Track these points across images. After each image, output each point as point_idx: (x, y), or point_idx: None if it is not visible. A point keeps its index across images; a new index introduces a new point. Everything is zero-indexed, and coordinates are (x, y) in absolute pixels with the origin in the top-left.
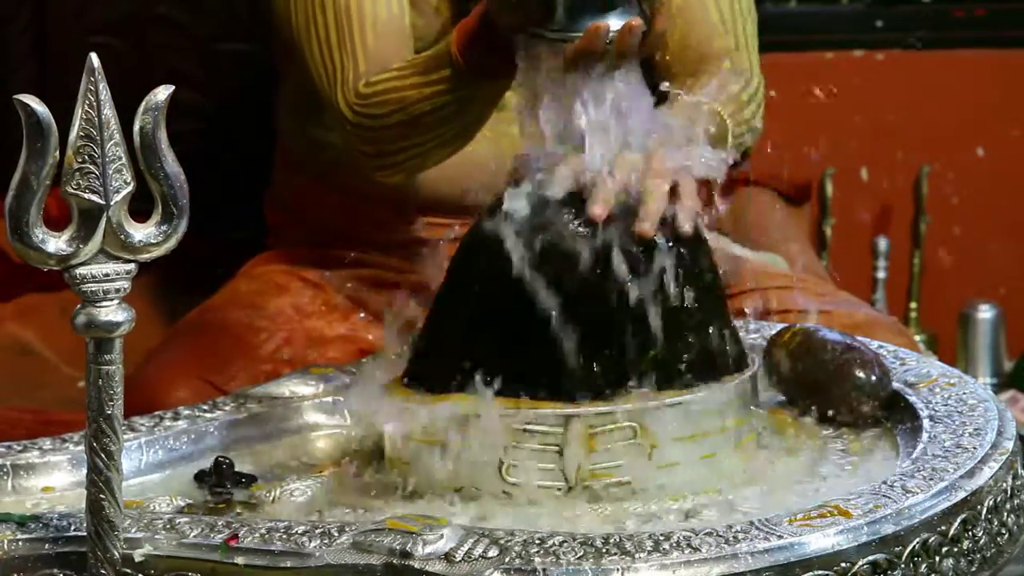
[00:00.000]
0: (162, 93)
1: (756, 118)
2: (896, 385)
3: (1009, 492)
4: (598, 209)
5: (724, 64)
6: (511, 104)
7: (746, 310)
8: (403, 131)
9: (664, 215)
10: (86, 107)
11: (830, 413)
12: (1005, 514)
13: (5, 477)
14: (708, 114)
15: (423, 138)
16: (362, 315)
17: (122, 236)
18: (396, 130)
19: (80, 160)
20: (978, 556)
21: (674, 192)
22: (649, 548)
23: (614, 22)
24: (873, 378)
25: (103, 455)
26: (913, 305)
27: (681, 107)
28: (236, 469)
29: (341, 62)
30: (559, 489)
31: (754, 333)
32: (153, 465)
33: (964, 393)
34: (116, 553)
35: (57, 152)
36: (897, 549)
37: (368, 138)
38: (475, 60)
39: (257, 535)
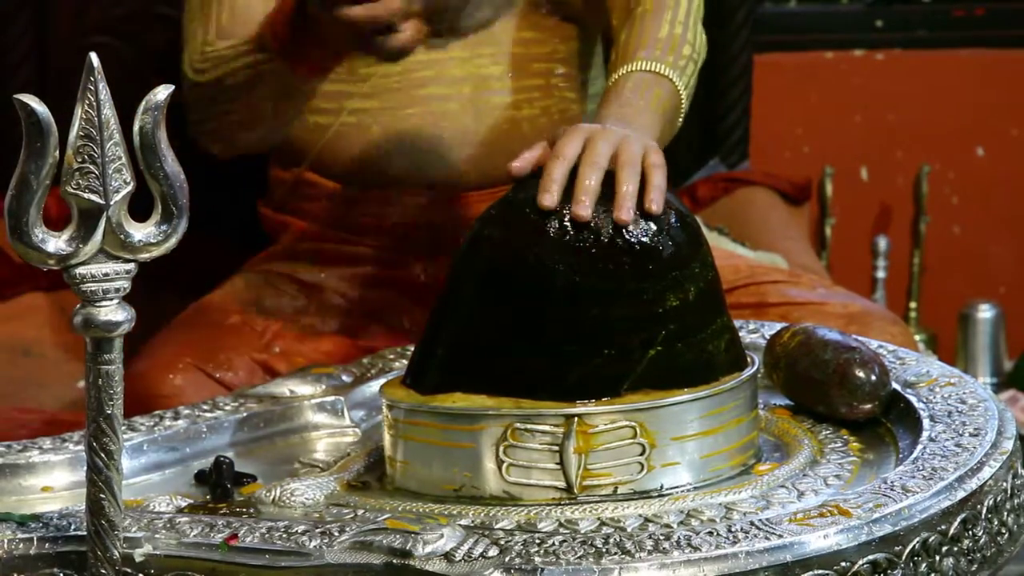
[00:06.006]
0: (162, 93)
1: (696, 46)
2: (896, 385)
3: (1009, 492)
4: (546, 200)
5: (647, 3)
6: (492, 73)
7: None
8: (225, 97)
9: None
10: (86, 107)
11: (830, 413)
12: (1005, 514)
13: (5, 477)
14: (653, 83)
15: (237, 106)
16: (358, 313)
17: (122, 236)
18: (219, 94)
19: (80, 160)
20: (978, 555)
21: (643, 174)
22: (649, 548)
23: None
24: (873, 378)
25: (103, 455)
26: (913, 305)
27: (623, 91)
28: (236, 469)
29: (194, 29)
30: (559, 489)
31: (754, 333)
32: (153, 465)
33: (964, 393)
34: (116, 553)
35: (57, 152)
36: (897, 549)
37: (200, 98)
38: (286, 42)
39: (257, 535)
